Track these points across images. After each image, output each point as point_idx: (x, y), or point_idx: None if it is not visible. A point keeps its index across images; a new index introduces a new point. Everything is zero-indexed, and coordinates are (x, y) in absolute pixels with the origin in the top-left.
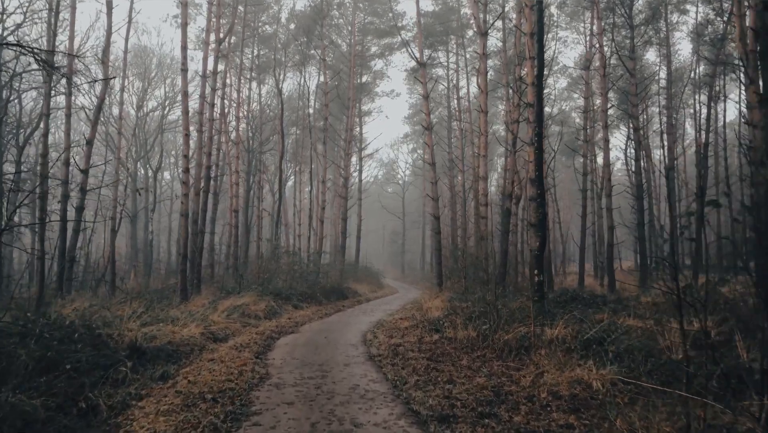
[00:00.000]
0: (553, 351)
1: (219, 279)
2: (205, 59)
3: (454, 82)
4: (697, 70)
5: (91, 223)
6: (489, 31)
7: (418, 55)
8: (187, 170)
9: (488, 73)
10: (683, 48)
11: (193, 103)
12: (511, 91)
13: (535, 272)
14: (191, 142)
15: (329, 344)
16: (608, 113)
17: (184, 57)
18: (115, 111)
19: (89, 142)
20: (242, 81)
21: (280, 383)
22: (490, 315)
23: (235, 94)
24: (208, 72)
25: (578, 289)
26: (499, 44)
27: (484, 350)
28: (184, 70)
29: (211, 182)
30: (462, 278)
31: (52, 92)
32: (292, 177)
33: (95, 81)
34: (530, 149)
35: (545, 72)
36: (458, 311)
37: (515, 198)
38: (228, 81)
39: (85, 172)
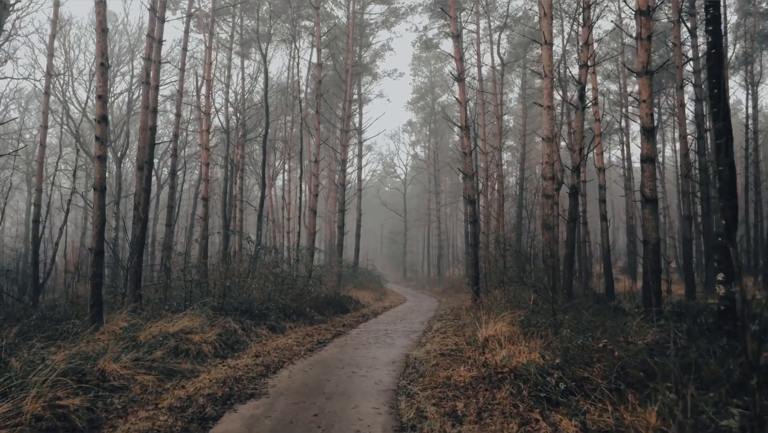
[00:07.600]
0: None
1: (177, 288)
2: None
3: (476, 47)
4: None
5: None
6: None
7: None
8: (104, 119)
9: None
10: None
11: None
12: (575, 26)
13: (721, 276)
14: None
15: None
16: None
17: None
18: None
19: None
20: (215, 38)
21: None
22: (720, 380)
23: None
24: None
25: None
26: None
27: None
28: None
29: (164, 156)
30: (535, 287)
31: None
32: (282, 172)
33: None
34: (642, 81)
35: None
36: (586, 358)
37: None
38: (204, 45)
39: None
